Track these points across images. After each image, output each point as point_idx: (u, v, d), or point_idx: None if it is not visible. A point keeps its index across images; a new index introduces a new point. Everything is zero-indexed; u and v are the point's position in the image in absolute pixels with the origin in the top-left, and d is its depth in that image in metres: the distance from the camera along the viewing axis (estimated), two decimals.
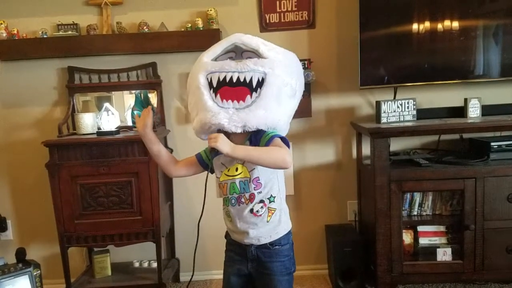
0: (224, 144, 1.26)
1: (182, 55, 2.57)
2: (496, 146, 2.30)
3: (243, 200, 1.40)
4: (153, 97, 2.54)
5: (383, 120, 2.39)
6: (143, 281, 2.39)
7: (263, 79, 1.33)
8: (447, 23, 2.36)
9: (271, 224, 1.42)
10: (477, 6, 2.38)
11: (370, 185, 2.32)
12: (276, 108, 1.36)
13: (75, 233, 2.26)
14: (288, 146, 1.34)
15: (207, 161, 1.47)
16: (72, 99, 2.53)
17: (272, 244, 1.44)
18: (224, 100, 1.33)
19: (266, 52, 1.35)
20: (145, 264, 2.62)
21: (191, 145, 2.46)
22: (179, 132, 2.65)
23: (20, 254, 2.27)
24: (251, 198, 1.39)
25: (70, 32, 2.48)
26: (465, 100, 2.42)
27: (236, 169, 1.39)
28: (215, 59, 1.39)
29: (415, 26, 2.38)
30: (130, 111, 2.49)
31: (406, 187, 2.26)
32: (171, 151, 2.56)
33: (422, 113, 2.46)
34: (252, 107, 1.33)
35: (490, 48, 2.40)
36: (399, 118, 2.40)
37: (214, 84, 1.34)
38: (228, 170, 1.41)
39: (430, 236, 2.41)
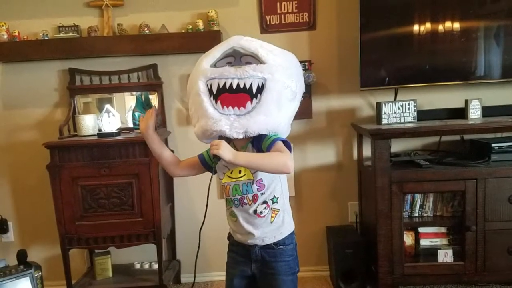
0: (226, 152, 1.27)
1: (183, 56, 2.57)
2: (497, 147, 2.30)
3: (246, 201, 1.40)
4: (154, 99, 2.55)
5: (384, 121, 2.39)
6: (144, 283, 2.40)
7: (263, 85, 1.33)
8: (448, 24, 2.36)
9: (274, 224, 1.42)
10: (478, 7, 2.38)
11: (371, 186, 2.32)
12: (276, 113, 1.35)
13: (76, 234, 2.26)
14: (290, 149, 1.34)
15: (209, 162, 1.47)
16: (73, 101, 2.53)
17: (276, 244, 1.44)
18: (225, 107, 1.33)
19: (265, 56, 1.35)
20: (146, 266, 2.62)
21: (192, 146, 2.45)
22: (180, 133, 2.66)
23: (21, 256, 2.27)
24: (254, 199, 1.39)
25: (71, 34, 2.49)
26: (466, 101, 2.42)
27: (240, 171, 1.39)
28: (214, 64, 1.38)
29: (415, 27, 2.37)
30: (131, 112, 2.50)
31: (407, 188, 2.26)
32: (172, 152, 2.56)
33: (422, 114, 2.46)
34: (253, 113, 1.33)
35: (491, 49, 2.40)
36: (400, 119, 2.40)
37: (214, 91, 1.34)
38: (231, 172, 1.41)
39: (431, 237, 2.41)
